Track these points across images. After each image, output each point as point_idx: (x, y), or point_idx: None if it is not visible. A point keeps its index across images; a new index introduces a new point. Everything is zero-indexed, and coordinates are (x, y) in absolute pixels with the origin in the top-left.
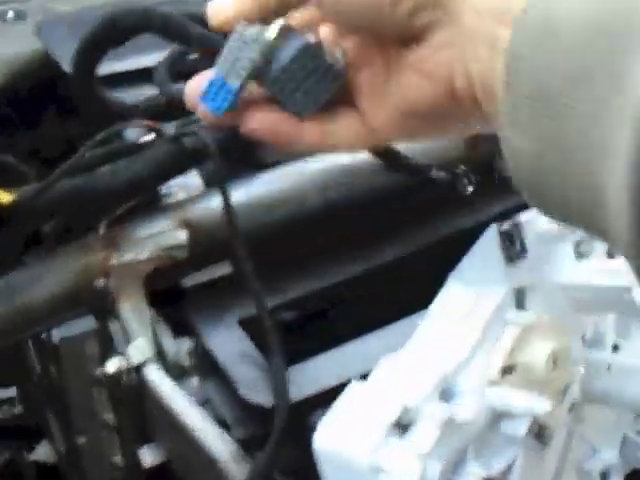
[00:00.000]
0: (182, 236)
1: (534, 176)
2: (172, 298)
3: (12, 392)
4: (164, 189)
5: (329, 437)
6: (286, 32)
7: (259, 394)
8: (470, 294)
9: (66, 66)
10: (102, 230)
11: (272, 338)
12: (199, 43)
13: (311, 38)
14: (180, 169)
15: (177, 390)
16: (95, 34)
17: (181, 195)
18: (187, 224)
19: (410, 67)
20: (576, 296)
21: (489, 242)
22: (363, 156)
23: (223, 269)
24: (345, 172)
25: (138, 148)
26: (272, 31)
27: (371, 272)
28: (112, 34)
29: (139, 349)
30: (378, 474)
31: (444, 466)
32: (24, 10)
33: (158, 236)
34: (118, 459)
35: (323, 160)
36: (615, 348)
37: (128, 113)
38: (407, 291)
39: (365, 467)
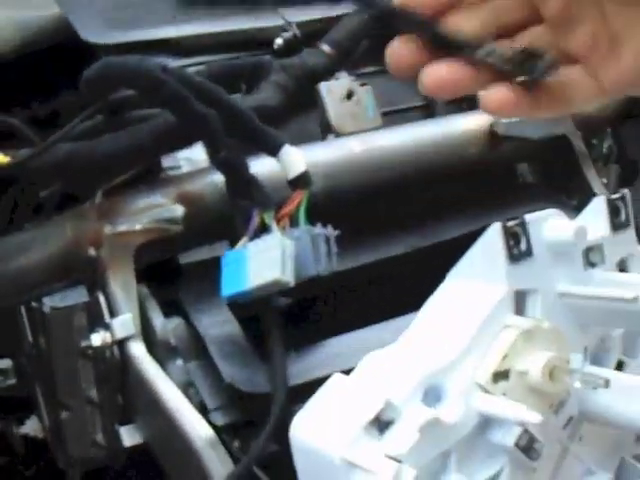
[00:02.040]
0: (178, 210)
1: None
2: (166, 275)
3: (6, 363)
4: (168, 162)
5: (305, 428)
6: None
7: (244, 381)
8: (468, 292)
9: (83, 33)
10: (98, 199)
11: (271, 324)
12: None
13: None
14: (185, 141)
15: (159, 370)
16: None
17: (185, 169)
18: (185, 198)
19: None
20: (581, 306)
21: (492, 239)
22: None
23: (221, 250)
24: (352, 160)
25: (142, 119)
26: None
27: (383, 262)
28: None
29: (124, 324)
30: (350, 470)
31: (420, 472)
32: None
33: (154, 209)
34: (100, 437)
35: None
36: (620, 365)
37: None
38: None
39: (337, 462)
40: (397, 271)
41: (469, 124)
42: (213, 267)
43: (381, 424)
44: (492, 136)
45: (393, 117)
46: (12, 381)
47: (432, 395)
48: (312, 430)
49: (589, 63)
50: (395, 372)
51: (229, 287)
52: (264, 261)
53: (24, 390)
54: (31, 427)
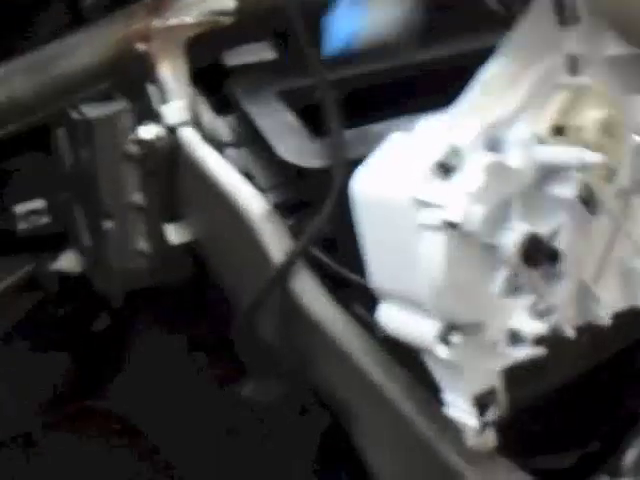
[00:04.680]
0: (229, 3)
1: None
2: (214, 79)
3: (39, 203)
4: None
5: (368, 179)
6: None
7: (298, 157)
8: (522, 57)
9: None
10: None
11: (328, 99)
12: None
13: None
14: None
15: (212, 152)
16: None
17: None
18: None
19: None
20: (629, 72)
21: (541, 6)
22: None
23: (266, 54)
24: None
25: None
26: None
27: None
28: None
29: (176, 110)
30: (420, 209)
31: (488, 210)
32: None
33: (205, 2)
34: (143, 245)
35: None
36: None
37: None
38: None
39: (406, 203)
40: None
41: None
42: (260, 69)
43: (447, 168)
44: None
45: None
46: (46, 219)
47: (495, 144)
48: (375, 179)
49: None
50: (456, 123)
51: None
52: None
53: (58, 227)
54: (65, 262)
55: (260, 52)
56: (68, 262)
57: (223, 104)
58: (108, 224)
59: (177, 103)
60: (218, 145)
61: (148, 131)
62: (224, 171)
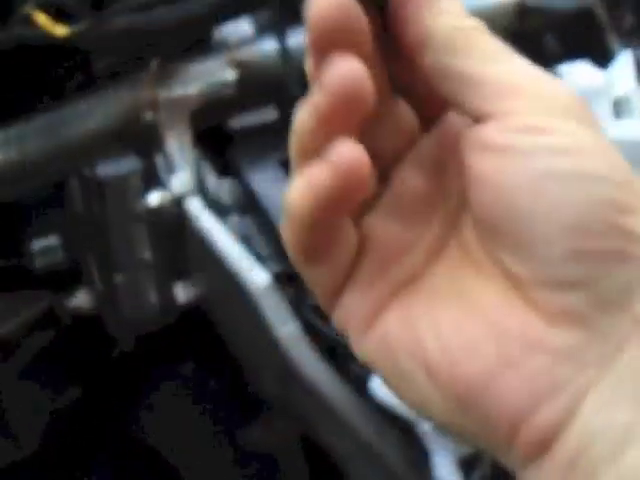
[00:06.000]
0: (231, 75)
1: None
2: (218, 142)
3: (54, 240)
4: (216, 34)
5: None
6: None
7: None
8: None
9: None
10: (153, 67)
11: None
12: None
13: None
14: (237, 11)
15: (215, 222)
16: None
17: (233, 40)
18: (237, 64)
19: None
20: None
21: None
22: None
23: (268, 115)
24: None
25: None
26: None
27: None
28: None
29: (181, 181)
30: None
31: None
32: None
33: (208, 74)
34: (153, 297)
35: None
36: None
37: None
38: None
39: None
40: None
41: None
42: (263, 132)
43: None
44: (520, 7)
45: None
46: (59, 256)
47: None
48: None
49: None
50: None
51: None
52: None
53: (72, 265)
54: (81, 299)
55: (262, 113)
56: (83, 300)
57: (225, 165)
58: (119, 277)
59: (183, 174)
60: (221, 209)
61: (155, 199)
62: (227, 243)
